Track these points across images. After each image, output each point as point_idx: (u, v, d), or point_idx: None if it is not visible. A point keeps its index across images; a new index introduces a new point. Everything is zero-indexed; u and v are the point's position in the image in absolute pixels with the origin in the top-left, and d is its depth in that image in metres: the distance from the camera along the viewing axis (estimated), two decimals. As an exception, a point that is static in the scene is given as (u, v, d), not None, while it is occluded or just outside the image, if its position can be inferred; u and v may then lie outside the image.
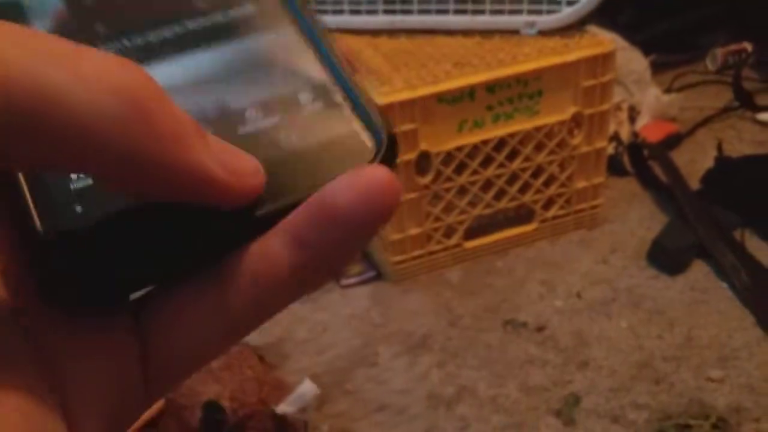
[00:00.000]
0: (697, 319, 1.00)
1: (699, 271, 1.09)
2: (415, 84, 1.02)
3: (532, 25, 1.10)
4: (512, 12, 1.10)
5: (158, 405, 0.76)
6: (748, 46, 1.54)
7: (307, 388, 0.78)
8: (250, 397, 0.77)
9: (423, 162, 1.06)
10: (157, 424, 0.76)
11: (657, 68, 1.47)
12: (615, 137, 1.29)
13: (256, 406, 0.76)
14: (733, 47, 1.54)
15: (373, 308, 1.07)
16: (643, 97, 1.40)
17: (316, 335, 1.02)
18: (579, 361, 0.95)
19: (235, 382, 0.78)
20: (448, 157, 1.06)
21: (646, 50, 1.44)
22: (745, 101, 1.43)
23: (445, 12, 1.12)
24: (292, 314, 1.06)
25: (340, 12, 1.15)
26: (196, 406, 0.75)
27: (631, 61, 1.43)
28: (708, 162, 1.28)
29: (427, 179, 1.07)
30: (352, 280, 1.12)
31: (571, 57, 1.05)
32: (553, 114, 1.08)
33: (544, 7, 1.09)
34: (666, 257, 1.10)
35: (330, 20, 1.15)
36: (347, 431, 0.88)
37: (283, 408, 0.78)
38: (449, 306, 1.06)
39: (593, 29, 1.15)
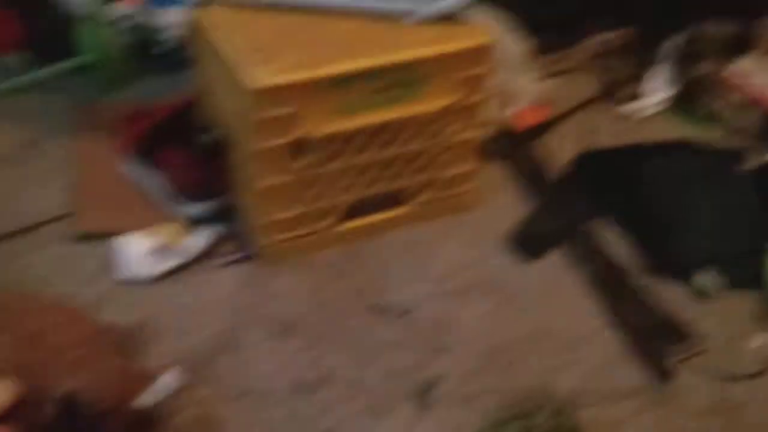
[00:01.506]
0: (549, 307, 1.07)
1: (557, 258, 1.15)
2: (295, 68, 1.01)
3: (412, 12, 1.11)
4: (394, -1, 1.11)
5: (12, 396, 0.75)
6: (622, 35, 1.59)
7: (170, 377, 0.79)
8: (109, 389, 0.77)
9: (299, 146, 1.06)
10: (9, 417, 0.74)
11: (537, 52, 1.50)
12: (488, 123, 1.33)
13: (114, 399, 0.76)
14: (607, 35, 1.60)
15: (240, 290, 1.07)
16: (517, 82, 1.44)
17: (181, 319, 1.02)
18: (438, 346, 1.00)
19: (95, 374, 0.77)
20: (326, 141, 1.07)
21: (530, 33, 1.47)
22: (609, 92, 1.50)
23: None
24: (158, 295, 1.05)
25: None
26: (53, 399, 0.74)
27: (509, 45, 1.47)
28: (573, 151, 1.34)
29: (303, 163, 1.07)
30: (222, 260, 1.12)
31: (449, 47, 1.07)
32: (429, 103, 1.10)
33: (425, -4, 1.10)
34: (526, 244, 1.16)
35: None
36: (209, 418, 0.89)
37: (144, 399, 0.78)
38: (318, 289, 1.08)
39: (476, 16, 1.17)
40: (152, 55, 1.53)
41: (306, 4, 1.12)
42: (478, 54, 1.09)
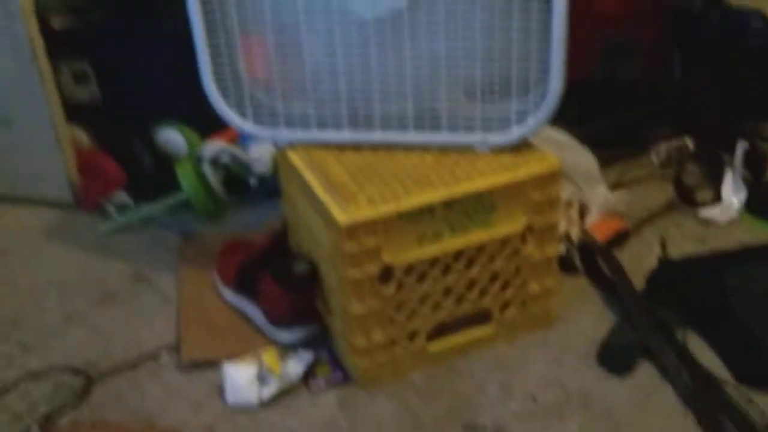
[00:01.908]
0: (643, 421, 1.08)
1: (645, 371, 1.17)
2: (378, 202, 1.09)
3: (485, 141, 1.19)
4: (467, 130, 1.19)
5: None
6: (689, 142, 1.65)
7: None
8: None
9: (386, 273, 1.13)
10: None
11: (604, 163, 1.56)
12: (566, 236, 1.38)
13: None
14: (675, 143, 1.65)
15: (340, 414, 1.12)
16: (591, 193, 1.49)
17: (286, 443, 1.07)
18: (533, 465, 1.02)
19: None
20: (410, 268, 1.14)
21: (593, 146, 1.54)
22: (686, 199, 1.54)
23: (405, 129, 1.21)
24: (264, 421, 1.11)
25: (307, 127, 1.23)
26: None
27: (579, 158, 1.53)
28: (654, 260, 1.37)
29: (390, 289, 1.14)
30: (320, 384, 1.18)
31: (521, 175, 1.14)
32: (506, 225, 1.17)
33: (496, 126, 1.18)
34: (613, 358, 1.18)
35: (298, 135, 1.24)
36: None
37: None
38: (413, 409, 1.13)
39: (544, 133, 1.24)
40: (246, 187, 1.66)
41: (383, 141, 1.21)
42: (548, 179, 1.16)
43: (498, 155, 1.18)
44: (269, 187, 1.63)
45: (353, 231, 1.08)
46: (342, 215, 1.08)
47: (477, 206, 1.14)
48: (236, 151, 1.67)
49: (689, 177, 1.58)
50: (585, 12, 1.74)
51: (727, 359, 1.17)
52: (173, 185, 1.61)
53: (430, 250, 1.14)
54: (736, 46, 1.82)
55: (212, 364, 1.21)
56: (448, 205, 1.12)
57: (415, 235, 1.12)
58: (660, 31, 1.79)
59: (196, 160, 1.64)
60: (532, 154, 1.19)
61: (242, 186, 1.66)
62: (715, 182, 1.54)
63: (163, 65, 1.76)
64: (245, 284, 1.31)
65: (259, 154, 1.66)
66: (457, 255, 1.16)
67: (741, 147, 1.50)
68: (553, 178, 1.17)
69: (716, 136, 1.62)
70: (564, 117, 1.51)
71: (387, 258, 1.11)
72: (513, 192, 1.15)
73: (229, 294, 1.36)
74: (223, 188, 1.64)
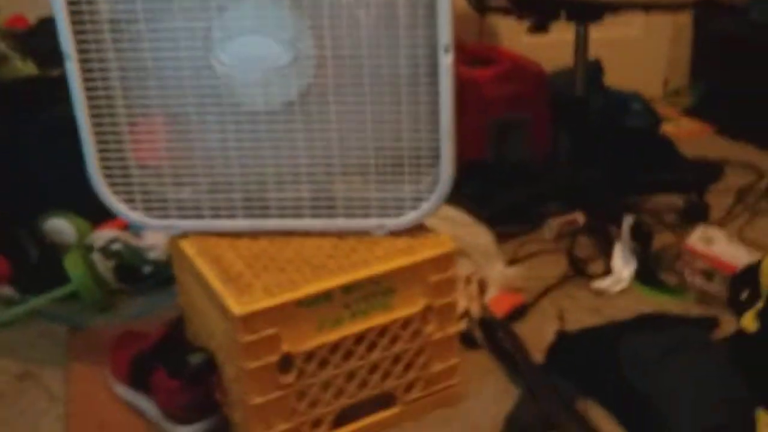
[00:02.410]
0: (548, 500, 1.07)
1: (548, 446, 1.17)
2: (275, 291, 1.08)
3: (381, 226, 1.19)
4: (363, 215, 1.20)
5: None
6: (579, 217, 1.71)
7: None
8: None
9: (285, 362, 1.10)
10: None
11: (500, 239, 1.60)
12: (466, 313, 1.39)
13: None
14: (567, 218, 1.72)
15: None
16: (490, 269, 1.52)
17: None
18: None
19: None
20: (310, 355, 1.11)
21: (490, 222, 1.58)
22: (579, 270, 1.59)
23: (301, 216, 1.20)
24: None
25: (201, 216, 1.21)
26: None
27: (477, 236, 1.56)
28: (552, 332, 1.39)
29: (290, 377, 1.11)
30: (220, 482, 1.13)
31: (417, 258, 1.15)
32: (406, 307, 1.17)
33: (391, 211, 1.19)
34: (518, 434, 1.18)
35: (191, 224, 1.21)
36: None
37: None
38: (317, 503, 1.08)
39: (440, 213, 1.26)
40: (140, 275, 1.60)
41: (279, 228, 1.20)
42: (444, 260, 1.17)
43: (394, 239, 1.19)
44: (164, 275, 1.58)
45: (250, 321, 1.05)
46: (237, 306, 1.05)
47: (375, 290, 1.14)
48: (129, 238, 1.62)
49: (581, 250, 1.64)
50: (474, 95, 1.82)
51: (627, 428, 1.19)
52: (61, 276, 1.54)
53: (331, 336, 1.12)
54: (617, 126, 1.94)
55: (103, 468, 1.14)
56: (347, 290, 1.11)
57: (314, 321, 1.11)
58: (548, 113, 1.88)
59: (86, 249, 1.58)
60: (428, 237, 1.20)
61: (136, 274, 1.61)
62: (606, 254, 1.60)
63: (49, 154, 1.71)
64: (139, 378, 1.25)
65: (153, 241, 1.62)
66: (358, 339, 1.15)
67: (627, 221, 1.56)
68: (448, 259, 1.18)
69: (604, 211, 1.69)
70: (461, 195, 1.56)
71: (286, 347, 1.09)
72: (410, 275, 1.15)
73: (122, 390, 1.29)
74: (115, 277, 1.58)
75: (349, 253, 1.16)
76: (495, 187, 1.73)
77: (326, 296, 1.10)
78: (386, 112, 1.11)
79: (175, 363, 1.20)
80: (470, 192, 1.69)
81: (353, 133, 1.14)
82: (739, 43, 2.08)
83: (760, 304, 1.30)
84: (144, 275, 1.60)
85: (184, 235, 1.22)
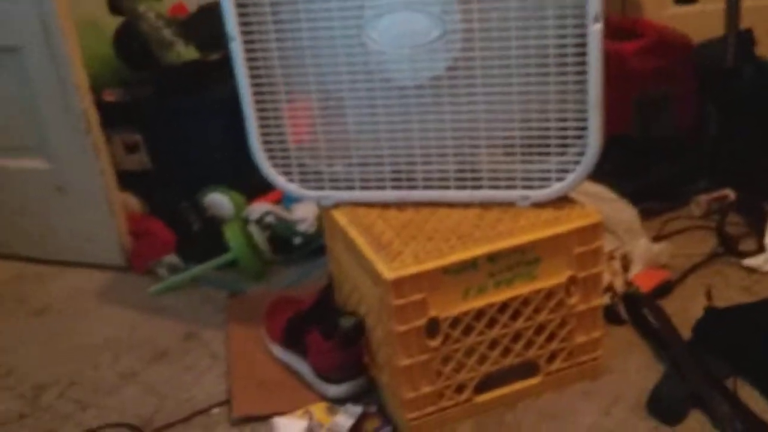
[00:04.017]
0: (696, 472, 1.07)
1: (696, 420, 1.16)
2: (423, 258, 1.12)
3: (526, 198, 1.21)
4: (508, 187, 1.22)
5: None
6: (730, 193, 1.66)
7: None
8: None
9: (432, 326, 1.15)
10: None
11: (645, 216, 1.58)
12: (610, 288, 1.39)
13: None
14: (716, 194, 1.66)
15: (390, 467, 1.13)
16: (634, 246, 1.50)
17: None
18: None
19: None
20: (456, 321, 1.16)
21: (634, 199, 1.56)
22: (730, 247, 1.54)
23: (446, 188, 1.24)
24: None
25: (352, 188, 1.27)
26: None
27: (621, 211, 1.55)
28: (699, 309, 1.36)
29: (436, 342, 1.16)
30: (369, 438, 1.19)
31: (562, 228, 1.16)
32: (550, 278, 1.18)
33: (536, 183, 1.21)
34: (663, 408, 1.17)
35: (343, 195, 1.28)
36: None
37: None
38: (462, 463, 1.13)
39: (585, 188, 1.27)
40: (291, 247, 1.70)
41: (426, 199, 1.25)
42: (590, 232, 1.18)
43: (539, 210, 1.21)
44: (313, 246, 1.67)
45: (400, 286, 1.10)
46: (388, 271, 1.11)
47: (520, 260, 1.16)
48: (281, 212, 1.72)
49: (732, 228, 1.59)
50: (619, 69, 1.78)
51: (780, 408, 1.16)
52: (221, 246, 1.66)
53: (475, 303, 1.16)
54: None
55: (263, 419, 1.23)
56: (492, 259, 1.14)
57: (460, 289, 1.14)
58: (694, 86, 1.82)
59: (243, 222, 1.69)
60: (573, 208, 1.21)
61: (287, 245, 1.70)
62: (759, 232, 1.54)
63: (209, 134, 1.84)
64: (293, 340, 1.34)
65: (303, 214, 1.71)
66: (502, 308, 1.18)
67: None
68: (594, 231, 1.19)
69: (757, 186, 1.63)
70: (603, 171, 1.55)
71: (433, 312, 1.14)
72: (555, 245, 1.17)
73: (277, 350, 1.38)
74: (269, 248, 1.68)
75: (494, 223, 1.19)
76: (640, 162, 1.70)
77: (472, 264, 1.13)
78: (533, 85, 1.12)
79: (327, 326, 1.28)
80: (614, 168, 1.66)
81: (499, 106, 1.17)
82: None
83: None
84: (295, 246, 1.69)
85: (336, 205, 1.29)
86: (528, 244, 1.15)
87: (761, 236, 1.53)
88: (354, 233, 1.21)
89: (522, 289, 1.17)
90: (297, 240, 1.69)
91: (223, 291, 1.62)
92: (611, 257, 1.46)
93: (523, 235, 1.16)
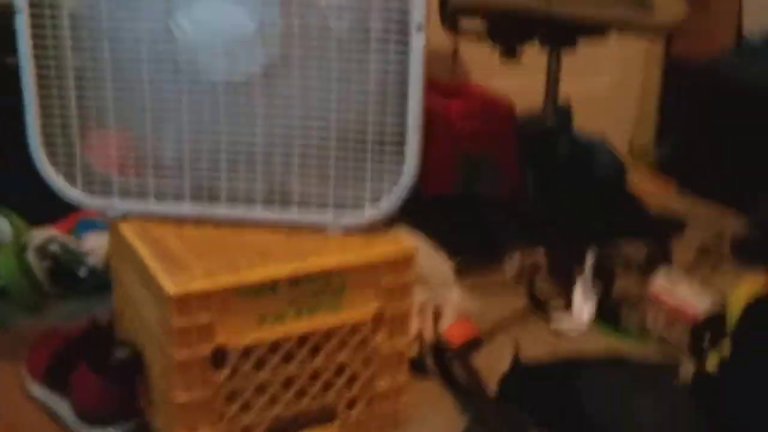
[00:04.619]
0: None
1: (498, 474, 1.08)
2: (215, 273, 0.99)
3: (337, 223, 1.12)
4: (319, 209, 1.13)
5: None
6: (541, 254, 1.66)
7: None
8: None
9: (219, 356, 1.01)
10: None
11: (460, 271, 1.53)
12: (419, 337, 1.31)
13: None
14: (528, 255, 1.66)
15: None
16: (447, 297, 1.45)
17: None
18: None
19: None
20: (247, 351, 1.02)
21: (450, 253, 1.52)
22: (538, 307, 1.52)
23: (252, 203, 1.13)
24: None
25: (144, 198, 1.13)
26: None
27: (435, 262, 1.50)
28: (506, 365, 1.31)
29: (222, 375, 1.01)
30: (133, 488, 1.01)
31: (373, 256, 1.08)
32: (356, 310, 1.09)
33: (349, 207, 1.12)
34: (465, 461, 1.09)
35: (132, 206, 1.13)
36: None
37: None
38: None
39: (398, 232, 1.20)
40: (75, 280, 1.50)
41: (228, 217, 1.13)
42: (402, 263, 1.10)
43: (350, 237, 1.12)
44: (100, 281, 1.48)
45: (184, 303, 0.96)
46: (172, 285, 0.96)
47: (325, 287, 1.06)
48: (67, 240, 1.52)
49: (542, 287, 1.58)
50: (444, 129, 1.78)
51: (582, 464, 1.11)
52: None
53: (272, 332, 1.03)
54: (583, 172, 1.91)
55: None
56: (294, 283, 1.03)
57: (255, 314, 1.02)
58: (516, 149, 1.85)
59: (20, 248, 1.47)
60: (386, 238, 1.13)
61: (72, 278, 1.50)
62: (567, 293, 1.54)
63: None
64: (56, 376, 1.14)
65: (93, 246, 1.52)
66: (302, 341, 1.06)
67: (590, 257, 1.52)
68: (406, 262, 1.11)
69: (567, 249, 1.64)
70: (421, 226, 1.50)
71: (221, 338, 1.00)
72: (364, 274, 1.08)
73: (36, 390, 1.17)
74: (49, 279, 1.48)
75: (300, 246, 1.08)
76: (459, 220, 1.68)
77: (271, 287, 1.02)
78: (353, 96, 1.05)
79: (97, 358, 1.10)
80: (433, 224, 1.63)
81: (316, 121, 1.08)
82: (706, 101, 2.10)
83: (725, 346, 1.25)
84: (79, 279, 1.50)
85: (124, 217, 1.13)
86: (335, 269, 1.05)
87: (569, 297, 1.53)
88: (139, 245, 1.06)
89: (325, 319, 1.07)
90: (83, 271, 1.49)
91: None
92: (423, 308, 1.39)
93: (331, 259, 1.06)
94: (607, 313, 1.49)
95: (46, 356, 1.18)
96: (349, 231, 1.12)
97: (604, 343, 1.43)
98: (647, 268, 1.60)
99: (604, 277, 1.54)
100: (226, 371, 1.01)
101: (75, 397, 1.11)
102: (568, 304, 1.52)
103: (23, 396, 1.18)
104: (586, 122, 2.09)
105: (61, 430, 1.11)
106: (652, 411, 1.14)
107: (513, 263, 1.65)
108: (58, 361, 1.15)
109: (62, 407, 1.12)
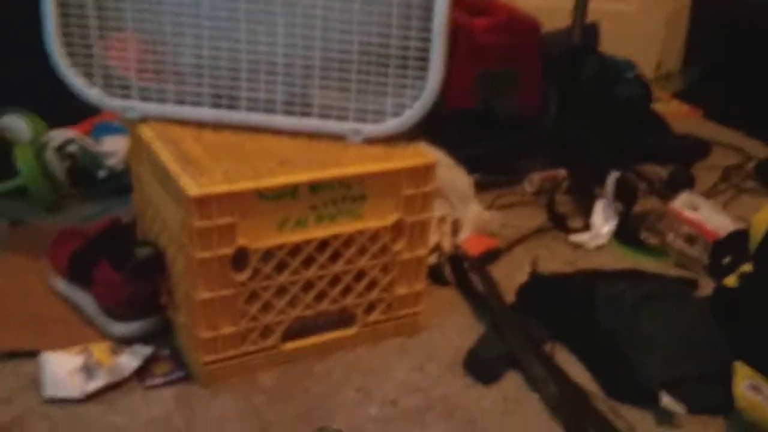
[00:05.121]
0: (507, 430, 1.00)
1: (512, 381, 1.10)
2: (236, 177, 0.99)
3: (358, 132, 1.11)
4: (340, 118, 1.11)
5: None
6: (562, 173, 1.65)
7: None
8: None
9: (240, 257, 1.01)
10: None
11: (479, 188, 1.53)
12: (437, 248, 1.32)
13: None
14: (549, 173, 1.65)
15: (176, 412, 0.98)
16: (465, 212, 1.45)
17: (106, 442, 0.92)
18: (389, 471, 0.92)
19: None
20: (268, 254, 1.03)
21: (470, 169, 1.51)
22: (558, 223, 1.52)
23: (272, 112, 1.12)
24: (86, 415, 0.96)
25: (164, 101, 1.12)
26: None
27: (456, 177, 1.49)
28: (524, 277, 1.32)
29: (244, 276, 1.02)
30: (157, 381, 1.04)
31: (393, 165, 1.07)
32: (376, 219, 1.09)
33: (370, 116, 1.11)
34: (480, 367, 1.11)
35: (152, 108, 1.12)
36: None
37: None
38: (260, 412, 1.00)
39: (419, 144, 1.19)
40: (93, 181, 1.50)
41: (247, 123, 1.12)
42: (422, 173, 1.09)
43: (371, 146, 1.11)
44: (118, 183, 1.49)
45: (205, 205, 0.96)
46: (193, 187, 0.96)
47: (345, 195, 1.06)
48: (86, 141, 1.52)
49: (562, 206, 1.57)
50: (467, 44, 1.74)
51: (596, 374, 1.12)
52: (11, 172, 1.44)
53: (292, 237, 1.04)
54: (607, 93, 1.87)
55: (30, 355, 1.04)
56: (314, 189, 1.03)
57: (275, 218, 1.02)
58: (539, 67, 1.81)
59: (40, 146, 1.48)
60: (407, 148, 1.12)
61: (90, 179, 1.51)
62: (587, 212, 1.53)
63: (10, 46, 1.60)
64: (79, 271, 1.15)
65: (112, 148, 1.52)
66: (322, 246, 1.06)
67: (613, 176, 1.50)
68: (427, 173, 1.10)
69: (589, 169, 1.63)
70: (442, 140, 1.49)
71: (242, 241, 1.00)
72: (384, 183, 1.07)
73: (60, 284, 1.19)
74: (68, 180, 1.48)
75: (321, 153, 1.08)
76: (479, 135, 1.66)
77: (291, 192, 1.01)
78: (376, 3, 1.02)
79: (119, 255, 1.11)
80: (453, 138, 1.61)
81: (338, 23, 1.06)
82: (735, 27, 2.04)
83: (746, 266, 1.24)
84: (98, 181, 1.50)
85: (144, 119, 1.13)
86: (355, 177, 1.05)
87: (588, 216, 1.52)
88: (160, 148, 1.06)
89: (345, 227, 1.07)
90: (101, 173, 1.50)
91: (4, 219, 1.40)
92: (442, 221, 1.39)
93: (351, 167, 1.05)
94: (627, 233, 1.49)
95: (67, 253, 1.19)
96: (370, 141, 1.11)
97: (623, 261, 1.43)
98: (669, 191, 1.59)
99: (625, 198, 1.53)
100: (246, 273, 1.02)
101: (98, 293, 1.12)
102: (587, 224, 1.51)
103: (47, 290, 1.19)
104: (612, 43, 2.05)
105: (85, 323, 1.12)
106: (669, 325, 1.15)
107: (533, 180, 1.64)
108: (80, 257, 1.16)
109: (86, 301, 1.14)
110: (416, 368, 1.11)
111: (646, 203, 1.58)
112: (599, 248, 1.46)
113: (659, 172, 1.72)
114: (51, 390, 0.98)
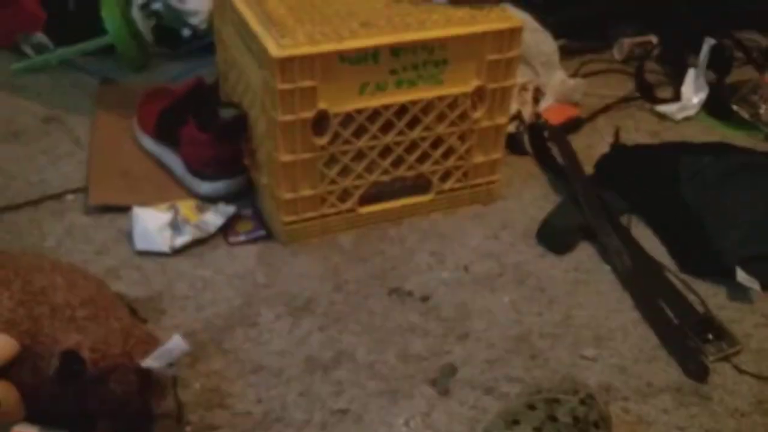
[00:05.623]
0: (578, 299, 1.02)
1: (584, 252, 1.10)
2: (318, 39, 0.98)
3: (442, -7, 1.08)
4: (424, -23, 1.08)
5: (11, 351, 0.71)
6: (653, 40, 1.57)
7: (176, 343, 0.75)
8: (113, 348, 0.73)
9: (321, 122, 1.03)
10: (8, 373, 0.71)
11: (565, 53, 1.48)
12: (517, 116, 1.30)
13: (118, 358, 0.72)
14: (639, 39, 1.57)
15: (258, 268, 1.03)
16: (549, 79, 1.41)
17: (195, 292, 0.98)
18: (459, 332, 0.95)
19: (99, 332, 0.74)
20: (348, 118, 1.04)
21: (557, 34, 1.45)
22: (646, 92, 1.47)
23: (356, -31, 1.09)
24: (173, 268, 1.02)
25: (248, -41, 1.10)
26: (54, 356, 0.71)
27: (541, 42, 1.44)
28: (605, 148, 1.30)
29: (324, 140, 1.04)
30: (240, 238, 1.09)
31: (478, 28, 1.04)
32: (457, 85, 1.07)
33: (456, -25, 1.07)
34: (553, 236, 1.11)
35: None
36: (220, 391, 0.85)
37: (149, 362, 0.74)
38: (337, 270, 1.04)
39: (505, 6, 1.15)
40: (178, 41, 1.52)
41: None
42: (508, 37, 1.06)
43: (456, 9, 1.08)
44: (202, 43, 1.50)
45: (288, 67, 0.97)
46: (276, 49, 0.96)
47: (426, 59, 1.04)
48: (171, 0, 1.52)
49: (651, 74, 1.51)
50: None
51: (671, 248, 1.12)
52: (97, 30, 1.46)
53: (372, 101, 1.04)
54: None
55: (122, 210, 1.10)
56: (396, 52, 1.02)
57: (356, 82, 1.02)
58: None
59: (125, 5, 1.49)
60: (493, 11, 1.08)
61: (175, 38, 1.52)
62: (677, 81, 1.47)
63: None
64: (166, 130, 1.19)
65: (196, 6, 1.52)
66: (401, 112, 1.06)
67: (708, 43, 1.42)
68: (512, 37, 1.07)
69: (682, 36, 1.54)
70: (529, 4, 1.42)
71: (323, 104, 1.01)
72: (467, 47, 1.05)
73: (148, 142, 1.24)
74: (153, 38, 1.50)
75: (404, 15, 1.05)
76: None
77: (373, 55, 1.01)
78: None
79: (205, 116, 1.14)
80: (540, 1, 1.54)
81: None
82: None
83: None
84: (182, 39, 1.52)
85: (228, -22, 1.12)
86: (437, 40, 1.03)
87: (678, 86, 1.46)
88: (243, 8, 1.06)
89: (425, 92, 1.06)
90: (186, 32, 1.51)
91: (95, 77, 1.44)
92: (524, 88, 1.36)
93: (434, 30, 1.03)
94: (718, 105, 1.43)
95: (155, 112, 1.22)
96: (455, 2, 1.08)
97: (711, 133, 1.38)
98: (766, 62, 1.50)
99: (718, 68, 1.45)
100: (327, 136, 1.04)
101: (184, 153, 1.16)
102: (677, 94, 1.45)
103: (135, 147, 1.24)
104: None
105: (172, 180, 1.17)
106: (753, 202, 1.12)
107: (623, 46, 1.57)
108: (167, 117, 1.19)
109: (172, 161, 1.19)
110: (490, 236, 1.12)
111: (741, 73, 1.50)
112: (687, 120, 1.41)
113: (758, 40, 1.62)
114: (142, 244, 1.05)
